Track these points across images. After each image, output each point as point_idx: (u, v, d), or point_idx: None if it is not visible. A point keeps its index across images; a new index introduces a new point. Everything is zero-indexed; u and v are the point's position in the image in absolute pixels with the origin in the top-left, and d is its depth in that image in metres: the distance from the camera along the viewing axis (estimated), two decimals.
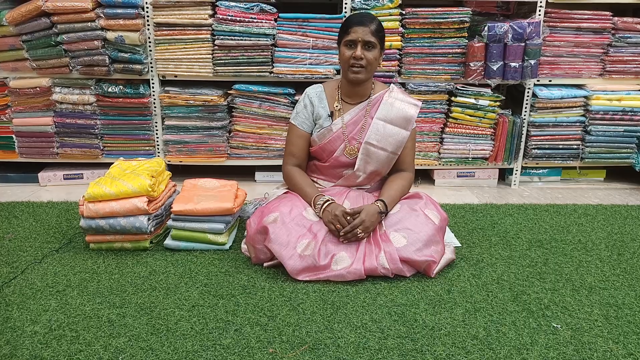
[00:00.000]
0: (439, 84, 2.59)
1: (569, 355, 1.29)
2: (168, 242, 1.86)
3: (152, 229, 1.85)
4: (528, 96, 2.64)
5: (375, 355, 1.27)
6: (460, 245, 1.92)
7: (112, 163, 2.05)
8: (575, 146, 2.72)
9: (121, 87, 2.53)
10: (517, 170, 2.75)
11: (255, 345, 1.30)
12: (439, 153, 2.72)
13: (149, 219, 1.81)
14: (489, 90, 2.60)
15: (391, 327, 1.39)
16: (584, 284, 1.66)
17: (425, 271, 1.67)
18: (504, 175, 2.84)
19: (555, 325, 1.41)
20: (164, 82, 2.61)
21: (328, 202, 1.71)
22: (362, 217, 1.65)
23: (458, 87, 2.60)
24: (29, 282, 1.61)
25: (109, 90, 2.52)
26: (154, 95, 2.56)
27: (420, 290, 1.59)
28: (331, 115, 1.83)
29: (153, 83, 2.55)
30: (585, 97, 2.65)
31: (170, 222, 1.86)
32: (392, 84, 1.93)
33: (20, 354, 1.25)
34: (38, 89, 2.52)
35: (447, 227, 1.87)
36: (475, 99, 2.59)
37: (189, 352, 1.27)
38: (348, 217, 1.66)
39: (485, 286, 1.62)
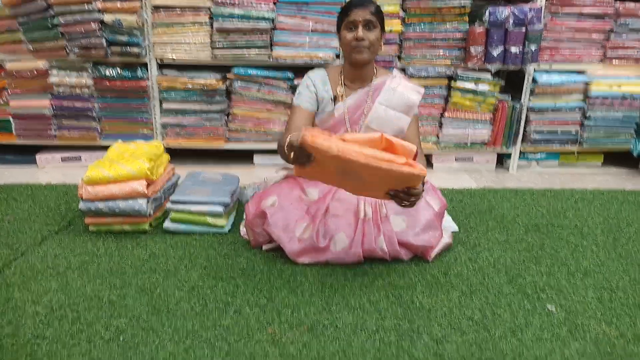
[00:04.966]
0: (439, 69, 2.58)
1: (562, 337, 1.31)
2: (167, 224, 1.87)
3: (152, 212, 1.85)
4: (528, 82, 2.63)
5: (373, 335, 1.29)
6: (457, 230, 1.94)
7: (110, 146, 2.05)
8: (574, 131, 2.73)
9: (119, 70, 2.51)
10: (515, 155, 2.76)
11: (255, 326, 1.32)
12: (438, 137, 2.72)
13: (148, 202, 1.82)
14: (489, 76, 2.60)
15: (388, 309, 1.41)
16: (579, 267, 1.68)
17: (422, 255, 1.69)
18: (502, 160, 2.85)
19: (549, 308, 1.43)
20: (162, 66, 2.59)
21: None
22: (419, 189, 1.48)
23: (458, 72, 2.59)
24: (29, 263, 1.62)
25: (107, 73, 2.50)
26: (152, 78, 2.55)
27: (418, 273, 1.61)
28: (334, 99, 1.82)
29: (151, 66, 2.53)
30: (586, 82, 2.64)
31: (169, 205, 1.86)
32: (395, 70, 1.92)
33: (23, 334, 1.27)
34: (35, 71, 2.50)
35: (445, 212, 1.88)
36: (475, 83, 2.59)
37: (190, 331, 1.29)
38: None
39: (481, 270, 1.64)
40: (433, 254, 1.69)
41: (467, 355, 1.22)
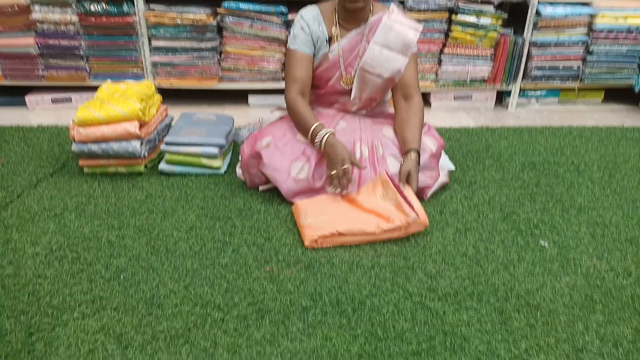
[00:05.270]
0: (440, 1, 2.47)
1: (554, 271, 1.34)
2: (162, 166, 1.86)
3: (146, 154, 1.83)
4: (531, 14, 2.53)
5: (368, 272, 1.32)
6: (454, 168, 1.93)
7: (100, 86, 1.99)
8: (576, 67, 2.66)
9: (104, 4, 2.39)
10: (515, 92, 2.71)
11: (253, 264, 1.34)
12: (437, 75, 2.66)
13: (141, 144, 1.80)
14: (491, 8, 2.49)
15: (384, 247, 1.43)
16: (573, 204, 1.69)
17: (419, 194, 1.69)
18: (501, 98, 2.80)
19: (542, 243, 1.46)
20: (149, 0, 2.46)
21: (329, 134, 1.58)
22: (414, 178, 1.57)
23: (459, 5, 2.48)
24: (25, 205, 1.62)
25: (91, 8, 2.38)
26: (138, 13, 2.43)
27: None
28: (329, 40, 1.74)
29: (137, 1, 2.41)
30: (591, 15, 2.54)
31: (163, 147, 1.84)
32: (392, 4, 1.82)
33: (24, 274, 1.29)
34: (16, 7, 2.38)
35: (442, 151, 1.87)
36: (476, 17, 2.48)
37: (189, 270, 1.32)
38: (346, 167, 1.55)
39: (476, 207, 1.66)
40: (429, 193, 1.70)
41: (460, 289, 1.26)
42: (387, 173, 1.58)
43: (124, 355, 1.05)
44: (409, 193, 1.53)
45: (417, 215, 1.44)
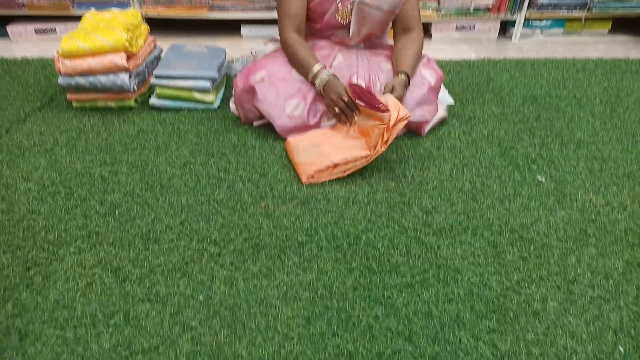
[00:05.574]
0: None
1: (549, 205, 1.34)
2: (153, 100, 1.80)
3: (136, 88, 1.77)
4: None
5: (364, 207, 1.32)
6: (453, 103, 1.89)
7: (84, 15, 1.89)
8: None
9: None
10: (519, 22, 2.60)
11: (248, 200, 1.34)
12: (439, 3, 2.53)
13: (130, 77, 1.73)
14: None
15: (380, 182, 1.42)
16: (572, 138, 1.67)
17: (416, 130, 1.66)
18: (505, 29, 2.69)
19: (539, 178, 1.45)
20: None
21: (330, 76, 1.52)
22: (397, 91, 1.50)
23: None
24: (15, 141, 1.59)
25: None
26: None
27: (411, 147, 1.60)
28: None
29: None
30: None
31: (153, 80, 1.77)
32: None
33: (18, 209, 1.28)
34: None
35: (442, 85, 1.81)
36: None
37: (184, 206, 1.31)
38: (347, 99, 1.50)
39: (474, 142, 1.63)
40: (427, 128, 1.66)
41: (455, 224, 1.26)
42: (350, 83, 1.50)
43: (122, 287, 1.06)
44: (383, 96, 1.44)
45: (388, 113, 1.35)
